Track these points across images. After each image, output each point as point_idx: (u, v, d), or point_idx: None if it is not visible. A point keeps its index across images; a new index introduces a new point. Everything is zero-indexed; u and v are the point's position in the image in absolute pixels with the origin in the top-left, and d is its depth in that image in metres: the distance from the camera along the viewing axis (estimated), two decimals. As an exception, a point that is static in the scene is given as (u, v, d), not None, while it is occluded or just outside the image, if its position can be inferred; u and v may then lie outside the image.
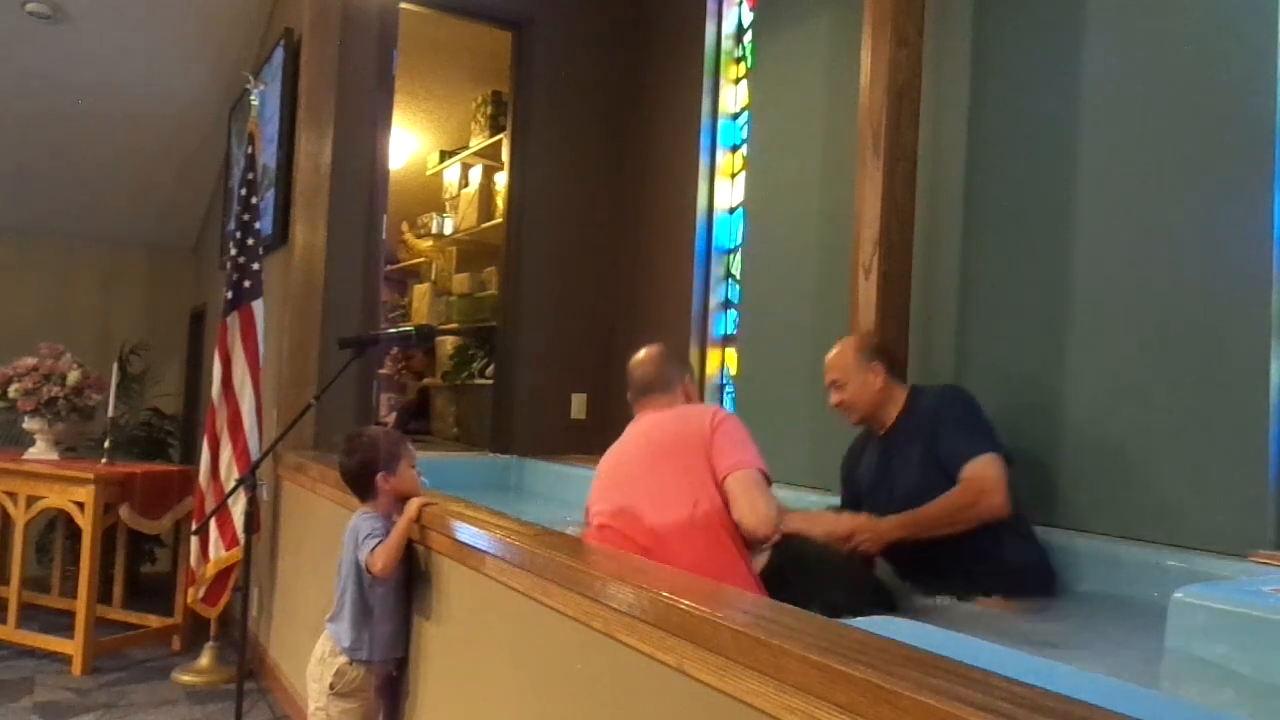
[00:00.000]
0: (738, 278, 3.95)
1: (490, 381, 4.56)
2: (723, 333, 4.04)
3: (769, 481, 2.00)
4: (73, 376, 4.14)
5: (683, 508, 1.95)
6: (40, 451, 4.17)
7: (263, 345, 3.65)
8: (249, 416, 3.57)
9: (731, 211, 4.05)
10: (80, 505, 3.81)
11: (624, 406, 4.24)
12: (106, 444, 4.06)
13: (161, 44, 4.66)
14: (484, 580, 1.75)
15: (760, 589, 1.92)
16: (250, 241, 3.65)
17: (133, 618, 4.22)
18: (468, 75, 5.48)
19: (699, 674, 1.12)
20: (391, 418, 5.71)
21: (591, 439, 4.27)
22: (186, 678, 3.63)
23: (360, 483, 2.14)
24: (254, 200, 3.70)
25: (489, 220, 4.95)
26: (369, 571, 2.02)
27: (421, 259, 6.03)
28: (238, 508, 3.36)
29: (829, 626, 1.08)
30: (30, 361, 4.14)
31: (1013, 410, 2.58)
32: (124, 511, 3.92)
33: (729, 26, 4.11)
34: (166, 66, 4.81)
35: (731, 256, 4.04)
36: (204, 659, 3.68)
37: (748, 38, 4.04)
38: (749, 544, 1.97)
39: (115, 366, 4.33)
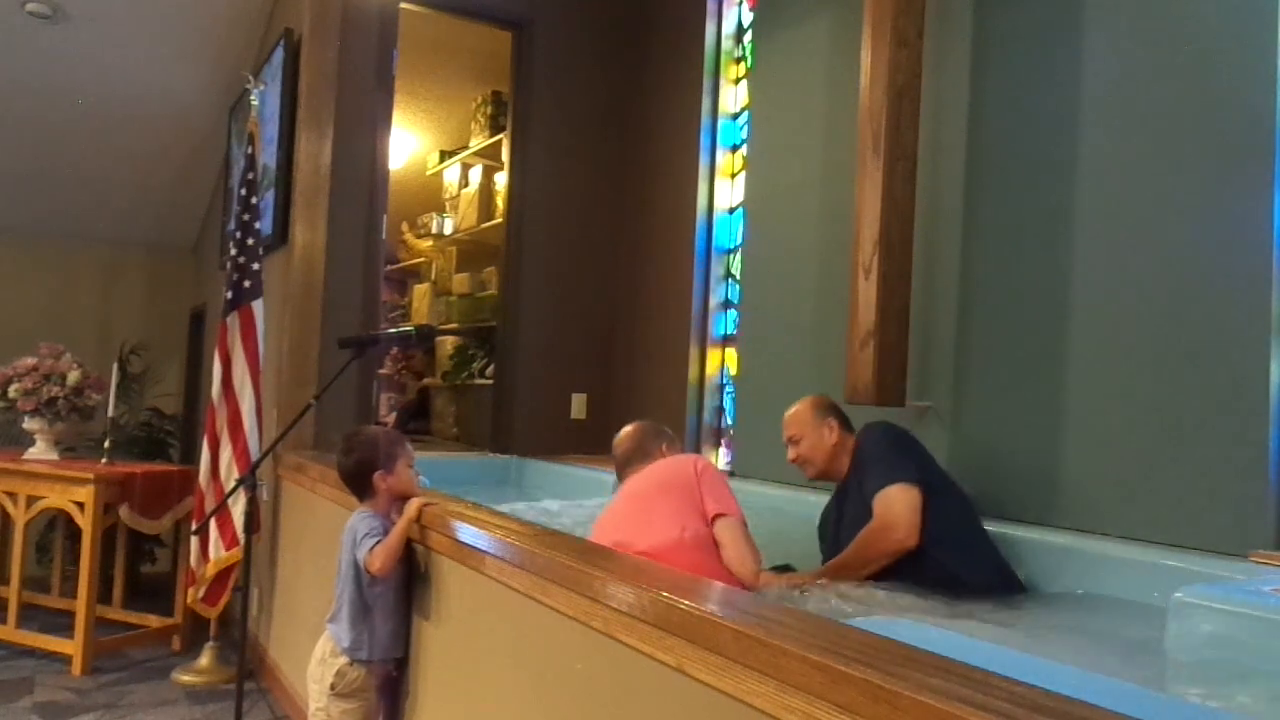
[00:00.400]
0: (738, 278, 3.95)
1: (490, 381, 4.56)
2: (723, 333, 4.04)
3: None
4: (73, 376, 4.14)
5: (671, 531, 2.01)
6: (40, 451, 4.16)
7: (262, 345, 3.65)
8: (249, 416, 3.57)
9: (731, 211, 4.05)
10: (80, 505, 3.81)
11: (624, 407, 4.25)
12: (106, 444, 4.06)
13: (161, 44, 4.66)
14: (484, 580, 1.75)
15: None
16: (250, 241, 3.65)
17: (133, 618, 4.22)
18: (468, 75, 5.48)
19: (699, 674, 1.11)
20: (391, 418, 5.71)
21: (591, 439, 4.27)
22: (186, 678, 3.62)
23: (358, 482, 2.14)
24: (254, 200, 3.70)
25: (489, 220, 4.95)
26: (367, 571, 2.02)
27: (421, 259, 6.03)
28: (238, 508, 3.36)
29: (829, 626, 1.08)
30: (30, 361, 4.13)
31: (1012, 410, 2.59)
32: (124, 511, 3.92)
33: (729, 26, 4.11)
34: (166, 66, 4.81)
35: (731, 256, 4.04)
36: (204, 659, 3.68)
37: (748, 38, 4.04)
38: None
39: (115, 366, 4.33)
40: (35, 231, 5.78)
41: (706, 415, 4.01)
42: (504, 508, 2.22)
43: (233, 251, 3.66)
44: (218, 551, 3.53)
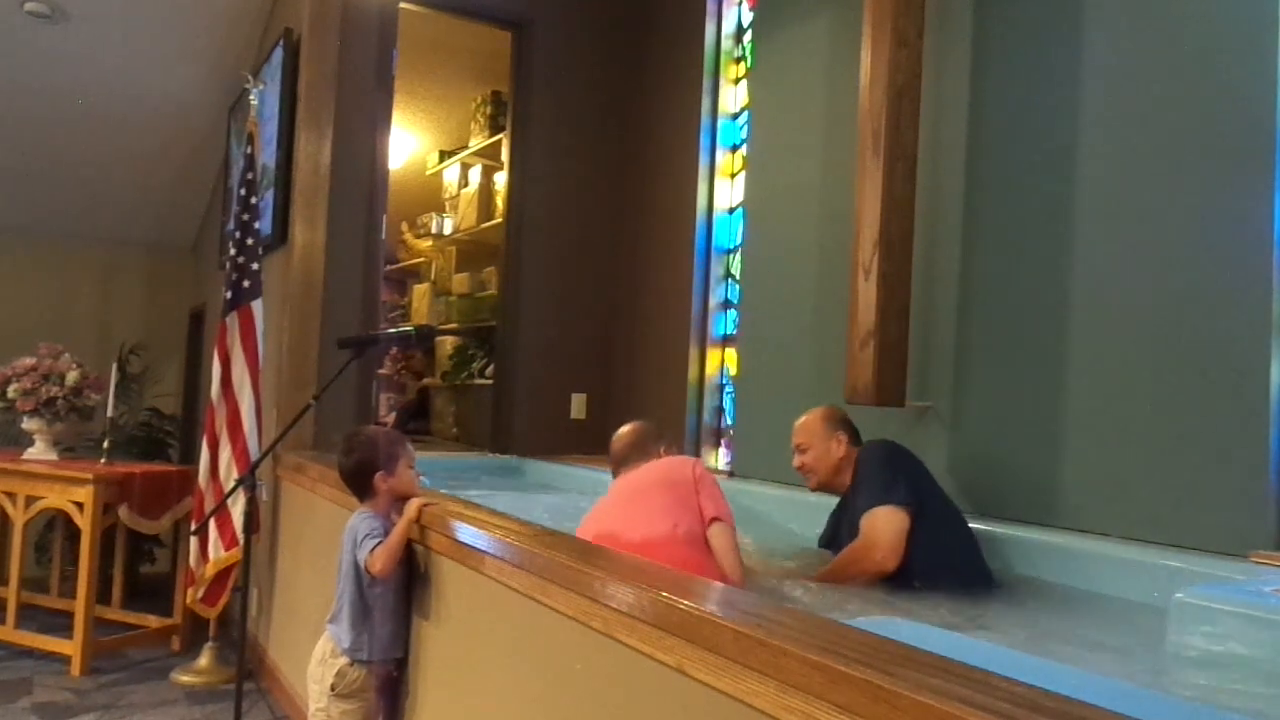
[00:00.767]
0: (738, 278, 3.95)
1: (490, 381, 4.56)
2: (723, 333, 4.04)
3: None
4: (72, 376, 4.13)
5: (665, 525, 2.01)
6: (39, 451, 4.16)
7: (262, 345, 3.65)
8: (248, 417, 3.57)
9: (731, 211, 4.05)
10: (79, 505, 3.81)
11: (624, 407, 4.25)
12: (105, 444, 4.06)
13: (161, 44, 4.65)
14: (484, 580, 1.75)
15: None
16: (250, 241, 3.65)
17: (132, 618, 4.22)
18: (468, 75, 5.48)
19: (699, 674, 1.11)
20: (391, 418, 5.71)
21: (591, 439, 4.27)
22: (186, 678, 3.62)
23: (358, 482, 2.14)
24: (253, 200, 3.70)
25: (489, 220, 4.95)
26: (368, 572, 2.02)
27: (421, 259, 6.03)
28: (237, 508, 3.35)
29: (829, 626, 1.08)
30: (29, 361, 4.13)
31: (1012, 410, 2.59)
32: (123, 512, 3.92)
33: (729, 26, 4.11)
34: (166, 66, 4.81)
35: (731, 256, 4.04)
36: (203, 659, 3.67)
37: (748, 38, 4.04)
38: None
39: (114, 366, 4.33)
40: (35, 231, 5.78)
41: (706, 415, 4.01)
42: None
43: (232, 251, 3.66)
44: (217, 552, 3.53)
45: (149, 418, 5.82)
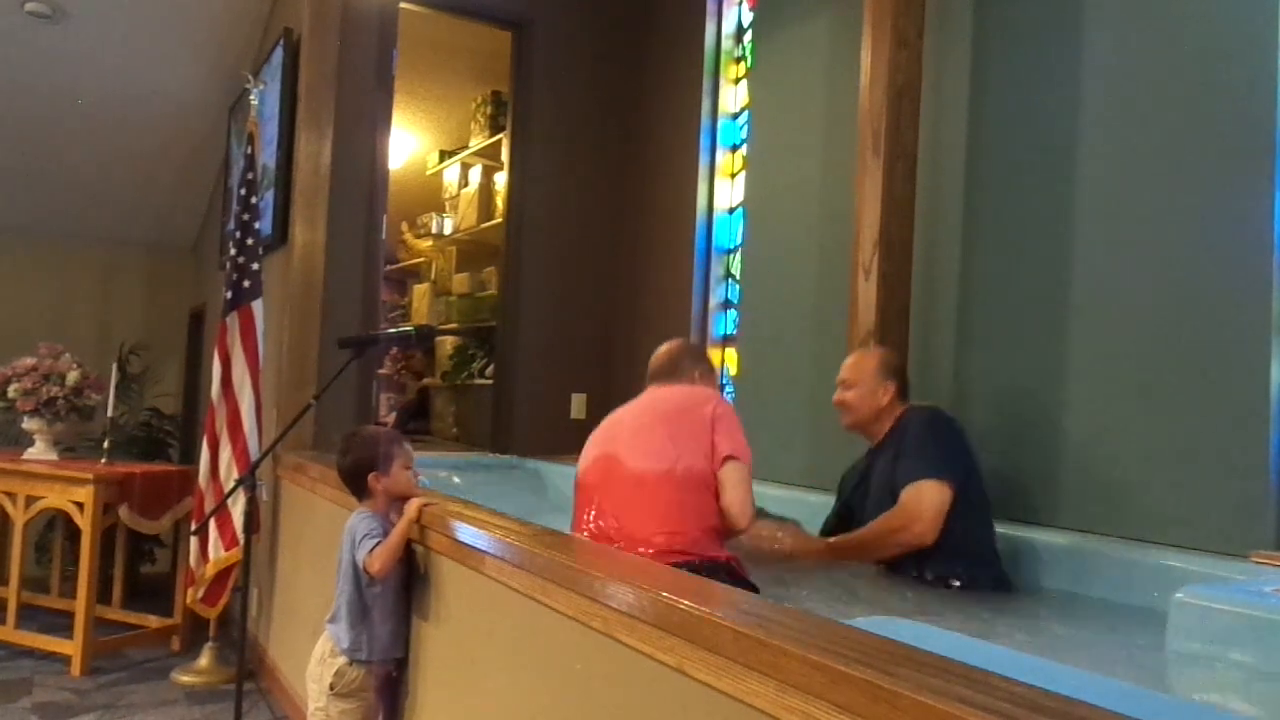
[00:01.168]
0: (738, 278, 3.94)
1: (490, 381, 4.55)
2: (723, 333, 4.04)
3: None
4: (72, 376, 4.13)
5: (664, 461, 2.00)
6: (39, 451, 4.16)
7: (262, 345, 3.65)
8: (248, 417, 3.57)
9: (731, 211, 4.05)
10: (79, 505, 3.81)
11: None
12: (106, 444, 4.06)
13: (161, 44, 4.65)
14: (484, 580, 1.74)
15: (721, 546, 2.00)
16: (250, 241, 3.65)
17: (132, 618, 4.22)
18: (468, 75, 5.48)
19: (699, 674, 1.11)
20: (391, 418, 5.71)
21: (591, 439, 4.26)
22: (186, 678, 3.62)
23: (354, 482, 2.14)
24: (253, 200, 3.70)
25: (489, 220, 4.95)
26: (367, 572, 2.02)
27: (421, 259, 6.03)
28: (237, 508, 3.35)
29: (829, 626, 1.08)
30: (29, 361, 4.13)
31: (1013, 410, 2.59)
32: (123, 512, 3.92)
33: (729, 26, 4.11)
34: (166, 66, 4.81)
35: (731, 256, 4.04)
36: (203, 659, 3.67)
37: (748, 38, 4.04)
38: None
39: (115, 366, 4.32)
40: (35, 231, 5.78)
41: (706, 415, 4.00)
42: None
43: (232, 251, 3.66)
44: (217, 552, 3.53)
45: (149, 418, 5.82)
